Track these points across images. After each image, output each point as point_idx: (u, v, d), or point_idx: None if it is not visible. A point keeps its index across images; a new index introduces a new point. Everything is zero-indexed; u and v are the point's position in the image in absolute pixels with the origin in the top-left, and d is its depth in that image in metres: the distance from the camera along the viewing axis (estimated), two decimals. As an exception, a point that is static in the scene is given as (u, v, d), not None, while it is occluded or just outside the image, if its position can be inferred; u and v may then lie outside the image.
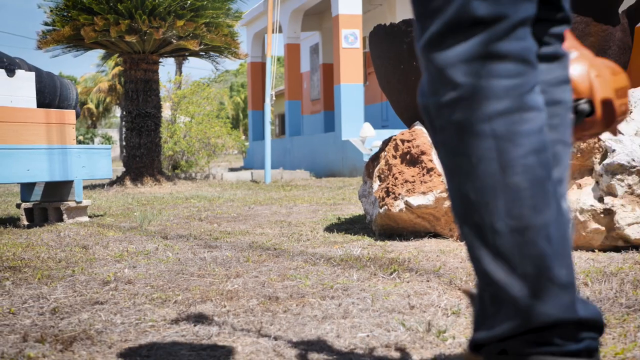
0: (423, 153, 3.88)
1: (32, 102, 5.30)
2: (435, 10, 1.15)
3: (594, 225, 3.39)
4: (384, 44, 4.09)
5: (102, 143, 48.13)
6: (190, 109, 14.30)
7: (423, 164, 3.87)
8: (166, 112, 15.12)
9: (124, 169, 10.61)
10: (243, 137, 44.43)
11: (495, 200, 1.12)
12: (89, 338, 1.97)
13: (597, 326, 1.17)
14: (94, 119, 51.25)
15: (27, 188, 5.63)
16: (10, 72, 5.13)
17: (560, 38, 1.41)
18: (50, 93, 5.64)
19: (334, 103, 16.12)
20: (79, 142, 40.66)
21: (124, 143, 10.70)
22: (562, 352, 1.13)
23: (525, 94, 1.14)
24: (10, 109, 5.11)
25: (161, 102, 10.76)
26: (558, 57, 1.37)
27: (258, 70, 20.10)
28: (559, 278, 1.12)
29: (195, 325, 2.08)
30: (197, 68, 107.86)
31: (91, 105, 49.47)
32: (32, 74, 5.33)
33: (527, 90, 1.14)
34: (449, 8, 1.13)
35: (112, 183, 10.15)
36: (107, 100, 50.21)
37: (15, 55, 5.52)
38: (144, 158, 10.17)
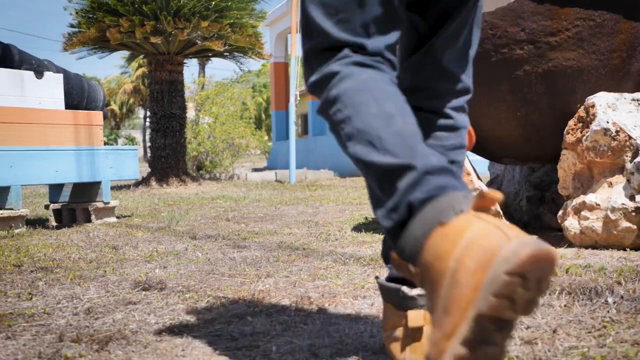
0: (451, 152, 3.86)
1: (60, 103, 5.33)
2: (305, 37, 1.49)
3: (625, 223, 3.36)
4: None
5: (126, 144, 48.38)
6: (214, 109, 14.33)
7: (452, 163, 3.85)
8: (190, 113, 15.17)
9: (149, 170, 10.65)
10: (266, 138, 44.51)
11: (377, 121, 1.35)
12: (124, 338, 1.98)
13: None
14: (118, 120, 51.53)
15: (55, 189, 5.67)
16: (39, 74, 5.17)
17: (461, 109, 1.73)
18: (78, 94, 5.68)
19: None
20: (103, 144, 40.87)
21: (148, 144, 10.75)
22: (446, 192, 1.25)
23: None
24: (38, 110, 5.14)
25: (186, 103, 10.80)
26: (456, 129, 1.71)
27: (281, 70, 20.11)
28: (420, 149, 1.30)
29: (229, 325, 2.09)
30: (219, 69, 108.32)
31: (114, 107, 49.75)
32: (60, 76, 5.36)
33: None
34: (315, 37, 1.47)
35: (137, 184, 10.20)
36: (131, 101, 50.48)
37: (43, 58, 5.56)
38: (169, 159, 10.22)
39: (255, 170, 17.36)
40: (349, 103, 1.40)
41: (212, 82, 16.58)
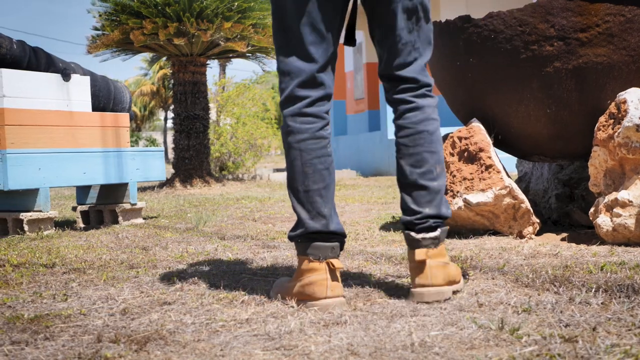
0: (481, 150, 3.85)
1: (87, 105, 5.36)
2: (281, 89, 2.43)
3: (659, 220, 3.33)
4: (439, 40, 4.06)
5: (147, 146, 48.55)
6: (236, 110, 14.35)
7: (481, 161, 3.84)
8: (212, 114, 15.18)
9: (172, 171, 10.68)
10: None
11: (297, 176, 2.40)
12: (162, 338, 1.98)
13: (342, 234, 2.44)
14: (138, 122, 51.77)
15: (82, 191, 5.70)
16: (66, 77, 5.20)
17: (421, 96, 2.48)
18: (105, 97, 5.70)
19: (378, 102, 16.08)
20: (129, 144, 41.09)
21: (170, 145, 10.79)
22: (320, 242, 2.38)
23: (317, 131, 2.40)
24: (66, 113, 5.17)
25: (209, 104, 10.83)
26: (419, 108, 2.47)
27: (302, 70, 20.07)
28: (323, 212, 2.39)
29: (266, 325, 2.08)
30: (239, 70, 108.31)
31: (135, 109, 50.00)
32: (87, 78, 5.39)
33: (318, 129, 2.41)
34: (285, 89, 2.41)
35: (161, 185, 10.24)
36: (152, 103, 50.71)
37: (70, 60, 5.58)
38: (192, 160, 10.25)
39: (278, 170, 17.36)
40: (288, 154, 2.43)
41: (232, 83, 16.61)
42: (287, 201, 7.26)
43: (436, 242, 2.43)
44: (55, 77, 5.16)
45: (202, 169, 10.30)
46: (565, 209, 4.34)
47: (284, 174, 13.27)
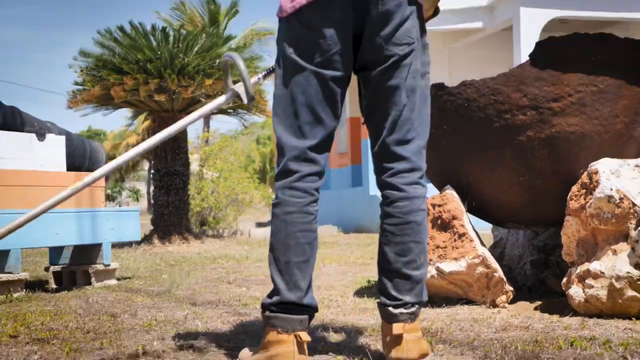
0: (454, 218, 3.83)
1: (62, 165, 5.33)
2: (277, 163, 2.52)
3: (630, 292, 3.31)
4: (413, 107, 4.06)
5: (130, 197, 48.35)
6: (218, 164, 14.34)
7: (454, 229, 3.82)
8: (193, 166, 15.15)
9: (151, 227, 10.60)
10: (270, 190, 44.45)
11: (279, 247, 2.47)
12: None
13: (314, 308, 2.50)
14: (122, 172, 51.64)
15: (55, 251, 5.63)
16: (41, 137, 5.17)
17: (413, 183, 2.53)
18: (80, 156, 5.68)
19: (361, 156, 16.11)
20: (107, 196, 40.94)
21: (151, 197, 10.75)
22: (290, 315, 2.43)
23: (304, 206, 2.47)
24: (40, 172, 5.14)
25: (189, 155, 10.79)
26: (410, 198, 2.51)
27: (285, 124, 20.12)
28: (300, 285, 2.44)
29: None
30: (224, 122, 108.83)
31: (119, 159, 49.81)
32: (63, 138, 5.37)
33: (306, 204, 2.47)
34: (279, 163, 2.51)
35: (140, 241, 10.16)
36: (136, 154, 50.56)
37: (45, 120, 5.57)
38: (172, 216, 10.18)
39: (259, 224, 17.31)
40: (273, 224, 2.51)
41: (217, 134, 16.62)
42: (264, 261, 7.20)
43: (412, 317, 2.50)
44: (30, 137, 5.13)
45: (181, 226, 10.24)
46: (540, 276, 4.32)
47: (265, 230, 13.24)
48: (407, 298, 2.50)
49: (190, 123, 2.65)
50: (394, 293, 2.51)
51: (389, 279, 2.53)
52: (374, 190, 14.48)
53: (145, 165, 55.41)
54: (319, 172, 2.52)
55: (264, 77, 2.74)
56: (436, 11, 2.85)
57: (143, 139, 46.09)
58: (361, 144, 15.57)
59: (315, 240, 2.52)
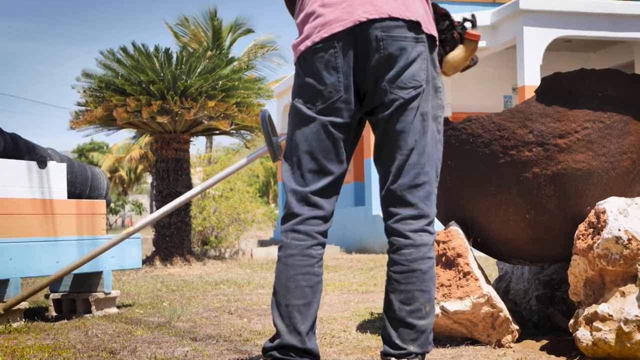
0: (459, 256, 3.78)
1: (63, 193, 5.28)
2: (284, 207, 2.51)
3: (639, 336, 3.25)
4: (418, 141, 4.02)
5: (133, 210, 48.34)
6: (220, 184, 14.29)
7: (459, 267, 3.77)
8: (195, 180, 15.07)
9: (153, 249, 10.54)
10: (273, 205, 44.36)
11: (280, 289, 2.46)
12: None
13: (316, 355, 2.47)
14: (125, 186, 51.60)
15: (56, 278, 5.57)
16: (42, 164, 5.13)
17: (420, 231, 2.48)
18: (82, 183, 5.64)
19: (363, 174, 16.07)
20: (110, 209, 40.89)
21: (154, 209, 10.69)
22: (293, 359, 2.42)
23: (306, 249, 2.45)
24: (41, 201, 5.09)
25: (193, 170, 10.74)
26: (416, 246, 2.47)
27: (288, 142, 20.08)
28: (300, 329, 2.41)
29: None
30: (227, 140, 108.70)
31: (122, 173, 49.86)
32: (64, 165, 5.32)
33: (308, 247, 2.45)
34: (285, 207, 2.51)
35: (141, 263, 10.10)
36: (139, 168, 50.64)
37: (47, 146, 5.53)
38: (173, 238, 10.13)
39: (262, 243, 17.24)
40: (276, 267, 2.51)
41: (220, 147, 16.59)
42: (266, 287, 7.15)
43: None
44: (31, 165, 5.09)
45: (182, 247, 10.18)
46: (546, 312, 4.26)
47: (268, 249, 13.19)
48: (412, 348, 2.46)
49: (230, 174, 3.35)
50: (398, 342, 2.47)
51: (394, 328, 2.49)
52: (377, 210, 14.43)
53: (149, 178, 55.41)
54: (324, 216, 2.50)
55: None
56: (474, 60, 2.84)
57: (146, 153, 46.13)
58: (364, 162, 15.53)
59: (319, 284, 2.48)
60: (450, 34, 2.85)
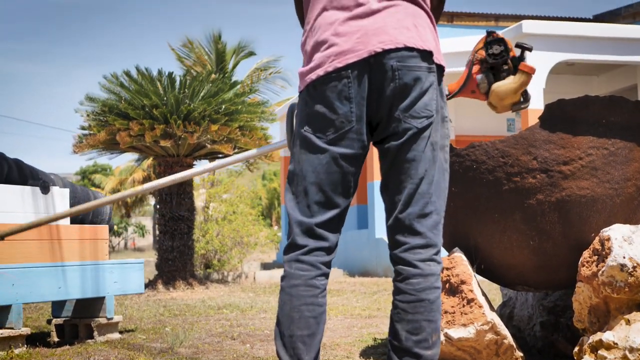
0: (463, 282, 3.76)
1: (66, 219, 5.27)
2: (287, 237, 2.49)
3: (645, 364, 3.23)
4: (421, 167, 4.02)
5: (136, 232, 48.26)
6: (223, 208, 14.29)
7: (463, 294, 3.75)
8: (199, 202, 15.04)
9: (156, 272, 10.52)
10: (276, 227, 44.30)
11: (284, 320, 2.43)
12: None
13: None
14: (128, 208, 51.59)
15: (58, 304, 5.56)
16: (45, 190, 5.13)
17: (427, 260, 2.43)
18: (84, 208, 5.62)
19: (367, 196, 16.06)
20: (113, 232, 40.83)
21: (156, 240, 10.67)
22: None
23: (310, 279, 2.42)
24: (44, 226, 5.08)
25: (194, 193, 10.74)
26: (424, 275, 2.41)
27: (291, 164, 20.09)
28: (303, 357, 2.37)
29: None
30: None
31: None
32: (67, 191, 5.32)
33: (312, 277, 2.43)
34: (289, 237, 2.48)
35: (144, 286, 10.07)
36: (142, 190, 50.51)
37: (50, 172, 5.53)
38: (176, 261, 10.11)
39: (265, 266, 17.19)
40: (280, 297, 2.46)
41: (222, 171, 16.59)
42: (268, 312, 7.12)
43: None
44: (34, 190, 5.09)
45: (185, 271, 10.16)
46: (551, 338, 4.24)
47: (270, 272, 13.14)
48: None
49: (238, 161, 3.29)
50: None
51: (399, 357, 2.46)
52: (380, 233, 14.40)
53: (152, 200, 55.39)
54: (328, 247, 2.49)
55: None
56: (526, 97, 2.79)
57: (149, 175, 46.16)
58: (367, 184, 15.51)
59: (322, 314, 2.46)
60: (502, 60, 2.82)
